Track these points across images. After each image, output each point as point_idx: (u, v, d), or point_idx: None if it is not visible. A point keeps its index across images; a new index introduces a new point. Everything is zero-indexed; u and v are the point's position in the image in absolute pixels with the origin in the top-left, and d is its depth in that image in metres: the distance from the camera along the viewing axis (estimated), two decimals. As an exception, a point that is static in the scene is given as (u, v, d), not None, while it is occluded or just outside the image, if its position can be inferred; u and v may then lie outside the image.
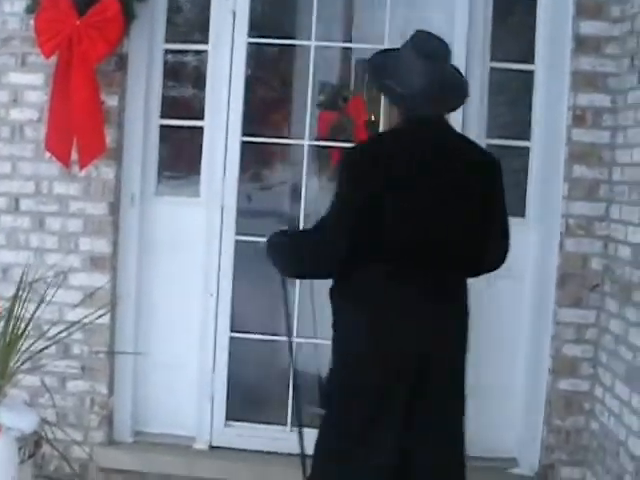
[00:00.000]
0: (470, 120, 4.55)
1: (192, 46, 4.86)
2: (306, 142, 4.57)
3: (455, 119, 4.24)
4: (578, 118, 4.39)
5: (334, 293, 3.41)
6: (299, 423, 3.88)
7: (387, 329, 3.28)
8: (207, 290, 4.68)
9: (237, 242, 4.64)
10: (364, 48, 4.58)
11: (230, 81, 4.57)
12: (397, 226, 3.22)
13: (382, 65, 3.41)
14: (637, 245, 3.95)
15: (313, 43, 4.52)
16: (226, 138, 4.60)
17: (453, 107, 3.52)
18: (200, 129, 4.74)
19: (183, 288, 4.76)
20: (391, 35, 4.47)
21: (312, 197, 4.60)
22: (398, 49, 3.42)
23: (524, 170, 4.70)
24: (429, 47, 3.32)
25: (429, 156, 3.29)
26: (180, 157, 4.91)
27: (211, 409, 4.71)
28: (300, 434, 3.80)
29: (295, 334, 4.00)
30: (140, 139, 4.70)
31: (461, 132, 4.41)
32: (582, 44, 4.42)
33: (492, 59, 4.63)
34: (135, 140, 4.69)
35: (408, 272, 3.27)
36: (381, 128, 3.56)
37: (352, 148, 3.52)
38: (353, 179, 3.27)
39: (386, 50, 3.58)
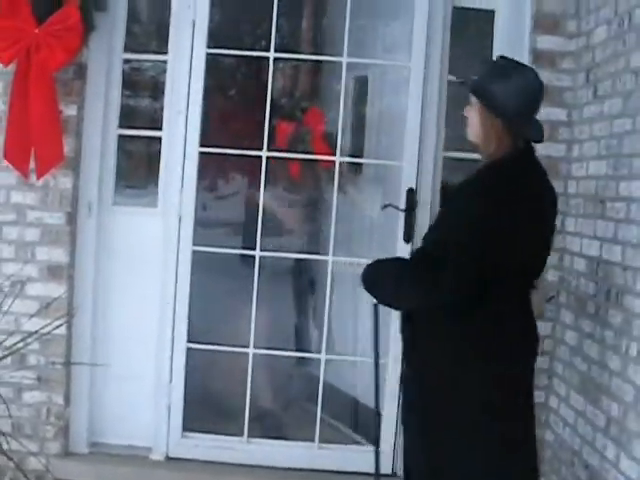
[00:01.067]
0: (428, 133, 4.58)
1: (151, 56, 4.84)
2: (264, 153, 4.55)
3: (412, 130, 4.29)
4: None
5: (447, 334, 3.28)
6: (376, 445, 3.90)
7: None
8: (164, 300, 4.66)
9: (194, 252, 4.62)
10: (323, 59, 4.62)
11: (189, 91, 4.55)
12: (517, 253, 3.18)
13: (488, 85, 3.30)
14: (592, 258, 3.99)
15: (272, 54, 4.50)
16: (184, 148, 4.58)
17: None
18: (158, 139, 4.73)
19: (140, 298, 4.74)
20: (350, 46, 4.51)
21: (269, 208, 4.57)
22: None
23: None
24: (530, 70, 3.40)
25: (541, 188, 3.35)
26: (138, 167, 4.89)
27: (168, 419, 4.69)
28: (377, 454, 3.87)
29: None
30: (98, 149, 4.68)
31: (419, 145, 4.48)
32: (539, 58, 4.48)
33: (450, 73, 4.65)
34: (93, 150, 4.67)
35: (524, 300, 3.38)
36: (480, 145, 3.39)
37: (490, 180, 3.26)
38: (493, 214, 3.15)
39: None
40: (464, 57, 4.77)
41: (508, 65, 3.35)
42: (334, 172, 4.55)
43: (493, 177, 3.23)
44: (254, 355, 4.67)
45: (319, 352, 4.76)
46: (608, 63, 4.00)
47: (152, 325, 4.71)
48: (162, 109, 4.74)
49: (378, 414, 3.93)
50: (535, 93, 3.31)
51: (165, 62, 4.71)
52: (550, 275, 4.48)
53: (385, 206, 4.50)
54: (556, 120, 4.44)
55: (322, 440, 4.73)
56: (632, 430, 3.44)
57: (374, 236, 5.04)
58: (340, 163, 4.62)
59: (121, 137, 4.78)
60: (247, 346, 4.66)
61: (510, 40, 4.62)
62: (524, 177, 3.24)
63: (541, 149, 4.29)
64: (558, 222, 4.24)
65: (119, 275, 4.76)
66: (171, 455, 4.70)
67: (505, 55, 3.49)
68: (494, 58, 3.57)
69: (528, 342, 3.39)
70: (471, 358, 3.22)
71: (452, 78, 4.63)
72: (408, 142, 4.54)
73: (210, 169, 4.66)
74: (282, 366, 4.94)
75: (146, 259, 4.74)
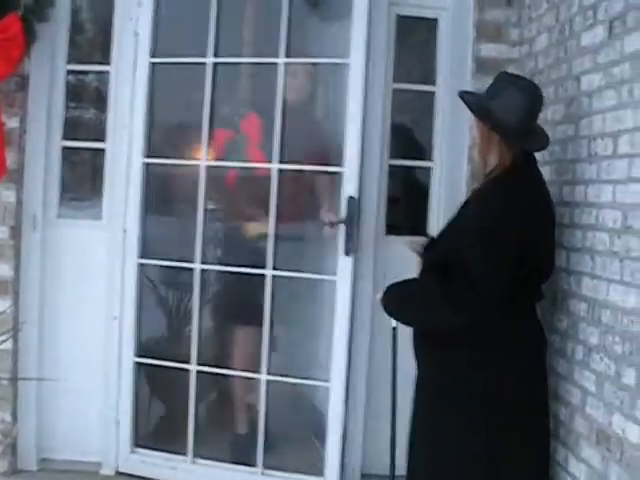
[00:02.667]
0: (372, 141, 4.59)
1: (94, 67, 4.79)
2: (203, 163, 4.44)
3: (353, 134, 4.27)
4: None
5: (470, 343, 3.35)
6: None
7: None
8: (110, 314, 4.62)
9: (141, 265, 4.57)
10: (262, 63, 4.51)
11: (132, 102, 4.52)
12: (532, 261, 3.30)
13: (487, 102, 3.42)
14: None
15: (210, 60, 4.39)
16: (128, 160, 4.55)
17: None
18: (102, 151, 4.69)
19: (87, 312, 4.69)
20: (289, 51, 4.41)
21: (210, 217, 4.52)
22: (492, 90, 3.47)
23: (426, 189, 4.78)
24: (528, 83, 3.50)
25: (546, 196, 3.47)
26: (83, 179, 4.83)
27: (116, 434, 4.63)
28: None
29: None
30: (42, 161, 4.64)
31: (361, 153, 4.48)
32: (482, 66, 4.51)
33: (395, 80, 4.69)
34: (37, 162, 4.63)
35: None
36: (480, 159, 3.53)
37: (505, 201, 3.30)
38: (516, 239, 3.23)
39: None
40: (409, 65, 4.80)
41: (507, 79, 3.49)
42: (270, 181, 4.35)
43: (501, 190, 3.31)
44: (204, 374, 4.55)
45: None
46: (551, 70, 4.03)
47: (99, 339, 4.66)
48: (106, 120, 4.70)
49: (392, 460, 3.88)
50: (534, 104, 3.42)
51: (109, 73, 4.68)
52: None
53: (328, 224, 4.41)
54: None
55: (267, 466, 4.49)
56: (579, 432, 3.46)
57: (314, 248, 4.73)
58: (279, 171, 4.37)
59: (66, 149, 4.73)
60: (190, 362, 4.53)
61: (454, 48, 4.65)
62: (531, 185, 3.38)
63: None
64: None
65: (65, 289, 4.71)
66: (121, 470, 4.64)
67: (506, 71, 3.72)
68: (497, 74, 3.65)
69: (532, 344, 3.48)
70: (475, 360, 3.33)
71: (398, 86, 4.67)
72: (348, 146, 4.31)
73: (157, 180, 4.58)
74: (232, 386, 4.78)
75: (92, 272, 4.69)
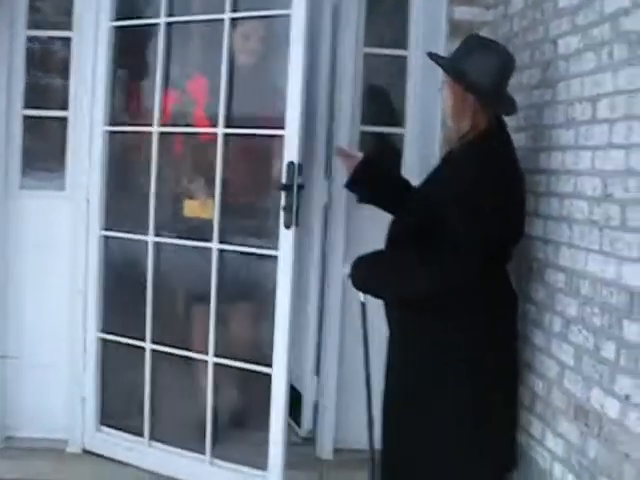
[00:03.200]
0: (343, 107, 4.47)
1: (55, 32, 4.61)
2: (155, 129, 4.19)
3: (295, 98, 3.91)
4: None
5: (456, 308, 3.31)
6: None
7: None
8: (74, 288, 4.47)
9: (105, 238, 4.41)
10: (209, 20, 4.18)
11: (94, 68, 4.36)
12: (508, 224, 3.31)
13: (460, 64, 3.37)
14: None
15: (163, 20, 4.16)
16: (90, 128, 4.39)
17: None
18: (65, 120, 4.54)
19: (51, 286, 4.56)
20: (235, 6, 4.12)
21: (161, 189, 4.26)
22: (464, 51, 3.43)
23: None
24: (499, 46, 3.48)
25: (517, 162, 3.42)
26: (46, 149, 4.67)
27: (82, 412, 4.49)
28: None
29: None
30: (2, 131, 4.48)
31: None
32: (456, 29, 4.38)
33: (367, 45, 4.56)
34: (-3, 133, 4.45)
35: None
36: (453, 123, 3.45)
37: (481, 165, 3.26)
38: (489, 211, 3.18)
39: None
40: (380, 29, 4.66)
41: (478, 42, 3.45)
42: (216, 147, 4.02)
43: (478, 154, 3.28)
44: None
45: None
46: (526, 33, 3.92)
47: (64, 313, 4.52)
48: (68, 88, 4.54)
49: (372, 450, 3.62)
50: (505, 68, 3.39)
51: (70, 39, 4.52)
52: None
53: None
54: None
55: (216, 456, 4.19)
56: (557, 406, 3.37)
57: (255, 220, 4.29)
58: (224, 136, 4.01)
59: (27, 118, 4.57)
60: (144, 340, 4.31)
61: (427, 11, 4.52)
62: (503, 149, 3.35)
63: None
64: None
65: (28, 263, 4.57)
66: (87, 448, 4.51)
67: (477, 33, 3.70)
68: (466, 36, 3.61)
69: (511, 305, 3.50)
70: (457, 324, 3.29)
71: (368, 50, 4.53)
72: (289, 108, 3.86)
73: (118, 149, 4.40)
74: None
75: (55, 245, 4.55)
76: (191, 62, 4.36)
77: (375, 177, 3.59)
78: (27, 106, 4.56)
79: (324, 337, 4.62)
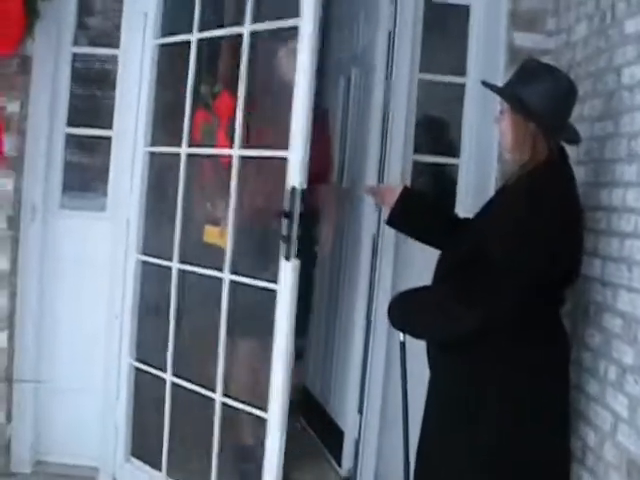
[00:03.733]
0: (395, 135, 4.31)
1: (102, 50, 4.51)
2: (183, 150, 3.96)
3: (300, 115, 3.56)
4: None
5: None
6: None
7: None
8: (111, 312, 4.33)
9: (143, 262, 4.23)
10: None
11: (140, 87, 4.22)
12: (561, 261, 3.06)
13: (518, 91, 3.16)
14: None
15: (195, 36, 3.93)
16: (134, 148, 4.25)
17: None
18: (108, 139, 4.43)
19: (88, 309, 4.42)
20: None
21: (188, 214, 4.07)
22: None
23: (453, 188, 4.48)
24: (568, 82, 3.22)
25: (578, 197, 3.19)
26: (88, 168, 4.56)
27: (115, 440, 4.32)
28: None
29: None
30: (44, 148, 4.37)
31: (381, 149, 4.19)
32: (516, 57, 4.14)
33: (422, 70, 4.40)
34: (38, 149, 4.35)
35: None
36: (513, 154, 3.23)
37: (535, 196, 3.01)
38: (540, 242, 2.97)
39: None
40: (438, 55, 4.50)
41: (537, 67, 3.23)
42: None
43: (536, 183, 3.05)
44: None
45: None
46: (589, 61, 3.72)
47: (100, 338, 4.37)
48: (113, 107, 4.42)
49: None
50: (567, 95, 3.18)
51: (116, 56, 4.42)
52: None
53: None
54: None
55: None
56: (609, 461, 3.15)
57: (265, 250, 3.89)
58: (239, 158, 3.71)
59: (70, 136, 4.46)
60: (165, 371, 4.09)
61: (486, 37, 4.35)
62: (564, 182, 3.12)
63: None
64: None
65: (65, 284, 4.45)
66: (118, 478, 4.34)
67: (535, 58, 3.41)
68: (522, 61, 3.38)
69: (563, 351, 3.23)
70: (503, 370, 3.07)
71: (424, 77, 4.37)
72: (294, 125, 3.51)
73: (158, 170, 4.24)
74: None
75: (94, 267, 4.41)
76: (220, 78, 4.16)
77: (416, 211, 3.46)
78: (70, 124, 4.45)
79: (368, 374, 4.43)
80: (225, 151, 3.87)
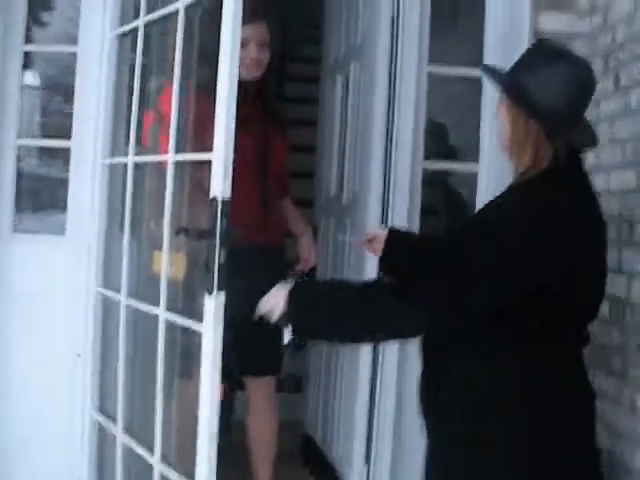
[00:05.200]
0: (401, 138, 3.68)
1: (57, 47, 3.91)
2: (130, 159, 3.34)
3: (222, 109, 2.78)
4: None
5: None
6: None
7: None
8: (73, 350, 3.71)
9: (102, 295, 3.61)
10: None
11: (99, 88, 3.63)
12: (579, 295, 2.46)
13: (522, 79, 2.50)
14: (617, 298, 3.11)
15: (141, 20, 3.29)
16: (94, 160, 3.64)
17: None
18: (67, 150, 3.82)
19: (46, 347, 3.80)
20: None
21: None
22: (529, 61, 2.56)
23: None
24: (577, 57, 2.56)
25: (595, 212, 2.54)
26: (46, 185, 3.95)
27: (80, 505, 3.69)
28: None
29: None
30: (-9, 163, 3.77)
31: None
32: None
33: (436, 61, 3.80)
34: (-15, 165, 3.76)
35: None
36: (510, 157, 2.59)
37: (531, 211, 2.44)
38: (530, 255, 2.38)
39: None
40: (449, 43, 3.88)
41: (548, 51, 2.54)
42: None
43: (532, 192, 2.46)
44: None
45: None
46: (633, 44, 3.10)
47: (61, 380, 3.76)
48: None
49: None
50: (583, 86, 2.51)
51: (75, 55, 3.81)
52: None
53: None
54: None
55: None
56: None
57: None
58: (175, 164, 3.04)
59: (23, 149, 3.85)
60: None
61: (506, 20, 3.70)
62: (571, 195, 2.47)
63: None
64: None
65: (19, 319, 3.84)
66: None
67: (547, 39, 2.71)
68: (531, 43, 2.76)
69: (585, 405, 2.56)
70: (507, 431, 2.45)
71: (433, 69, 3.76)
72: (217, 121, 2.73)
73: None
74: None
75: (52, 299, 3.79)
76: (166, 70, 3.46)
77: (406, 252, 2.96)
78: (23, 135, 3.84)
79: (376, 416, 3.82)
80: (158, 157, 3.24)
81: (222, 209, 2.64)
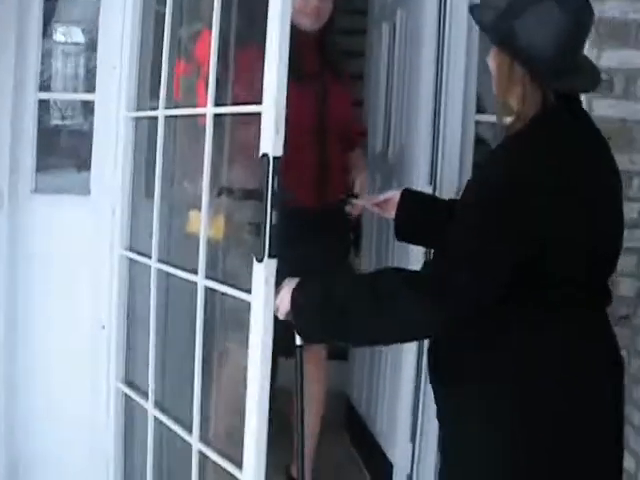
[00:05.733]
0: (450, 88, 3.39)
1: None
2: (160, 112, 3.01)
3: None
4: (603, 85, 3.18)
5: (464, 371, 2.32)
6: None
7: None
8: (97, 321, 3.45)
9: (130, 260, 3.30)
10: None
11: (122, 37, 3.32)
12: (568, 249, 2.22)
13: (508, 22, 2.25)
14: None
15: None
16: (117, 113, 3.35)
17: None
18: (91, 104, 3.54)
19: (69, 316, 3.55)
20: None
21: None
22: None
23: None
24: (578, 5, 2.25)
25: (601, 163, 2.33)
26: (67, 142, 3.69)
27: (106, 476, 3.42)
28: None
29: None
30: (8, 117, 3.51)
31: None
32: None
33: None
34: (2, 119, 3.50)
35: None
36: (497, 107, 2.40)
37: (522, 156, 2.23)
38: (516, 224, 2.16)
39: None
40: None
41: None
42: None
43: (520, 146, 2.25)
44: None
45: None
46: None
47: (84, 352, 3.51)
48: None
49: None
50: (575, 26, 2.24)
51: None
52: (624, 286, 3.25)
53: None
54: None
55: None
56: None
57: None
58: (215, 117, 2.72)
59: (43, 102, 3.58)
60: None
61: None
62: (567, 143, 2.24)
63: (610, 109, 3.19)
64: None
65: (40, 284, 3.59)
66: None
67: None
68: None
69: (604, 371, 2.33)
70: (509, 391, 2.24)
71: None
72: (267, 68, 2.41)
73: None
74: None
75: (75, 264, 3.54)
76: (201, 12, 3.12)
77: (421, 212, 2.82)
78: (43, 88, 3.58)
79: (422, 397, 3.56)
80: (196, 110, 2.92)
81: (274, 167, 2.36)
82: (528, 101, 2.25)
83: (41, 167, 3.59)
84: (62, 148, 3.69)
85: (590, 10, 2.25)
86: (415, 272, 2.36)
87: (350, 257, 3.85)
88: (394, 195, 2.91)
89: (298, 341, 2.57)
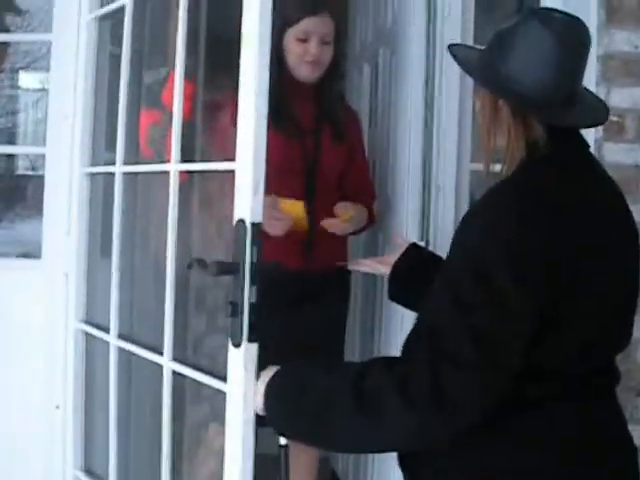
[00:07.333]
0: (442, 135, 3.07)
1: (30, 36, 3.31)
2: (117, 169, 2.70)
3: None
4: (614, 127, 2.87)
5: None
6: None
7: None
8: (51, 402, 3.09)
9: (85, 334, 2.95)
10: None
11: (75, 83, 3.00)
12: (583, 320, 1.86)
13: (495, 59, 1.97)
14: None
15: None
16: (70, 169, 3.02)
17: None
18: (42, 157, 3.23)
19: (18, 397, 3.17)
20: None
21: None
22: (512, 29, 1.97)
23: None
24: (568, 29, 1.94)
25: (606, 204, 1.97)
26: (21, 197, 3.37)
27: None
28: None
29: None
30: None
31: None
32: (614, 14, 2.91)
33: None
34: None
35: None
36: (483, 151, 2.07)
37: (505, 212, 1.85)
38: (519, 277, 1.78)
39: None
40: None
41: (528, 19, 1.95)
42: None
43: (506, 192, 1.89)
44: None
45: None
46: None
47: (37, 436, 3.12)
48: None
49: None
50: (569, 52, 1.93)
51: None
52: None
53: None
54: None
55: None
56: None
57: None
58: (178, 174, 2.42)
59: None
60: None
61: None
62: (564, 189, 1.88)
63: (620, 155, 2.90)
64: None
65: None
66: None
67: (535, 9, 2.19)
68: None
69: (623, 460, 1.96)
70: None
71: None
72: (242, 124, 2.05)
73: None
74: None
75: (26, 337, 3.16)
76: (169, 55, 2.78)
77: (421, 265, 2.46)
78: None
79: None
80: (158, 167, 2.60)
81: (252, 235, 1.98)
82: (513, 142, 1.93)
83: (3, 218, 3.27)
84: (30, 198, 3.41)
85: (583, 34, 1.94)
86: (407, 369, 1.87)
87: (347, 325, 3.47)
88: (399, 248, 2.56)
89: (282, 441, 2.19)
